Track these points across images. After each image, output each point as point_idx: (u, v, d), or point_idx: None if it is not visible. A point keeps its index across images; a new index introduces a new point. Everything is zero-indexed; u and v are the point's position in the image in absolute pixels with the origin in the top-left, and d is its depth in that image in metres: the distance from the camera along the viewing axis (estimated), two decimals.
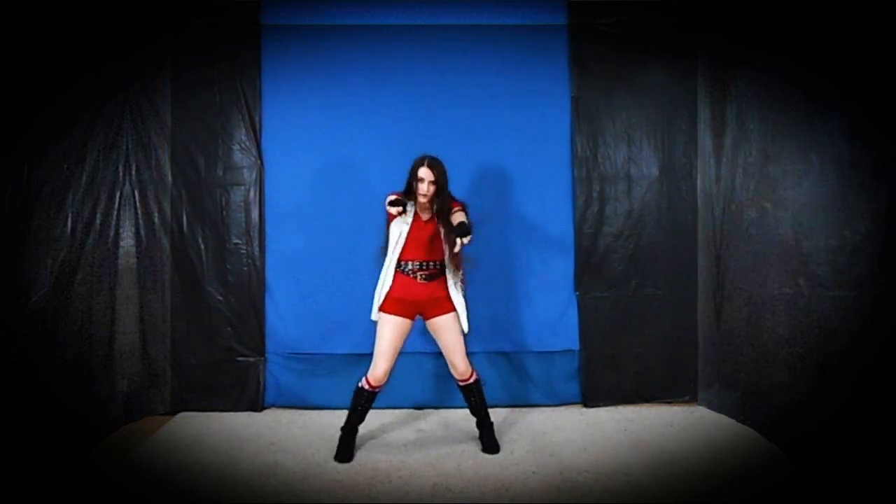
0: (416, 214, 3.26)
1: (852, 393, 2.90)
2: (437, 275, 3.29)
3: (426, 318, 3.33)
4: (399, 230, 3.24)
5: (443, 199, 3.22)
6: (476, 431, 3.47)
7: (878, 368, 2.78)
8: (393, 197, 3.11)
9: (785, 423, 3.31)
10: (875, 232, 2.86)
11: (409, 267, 3.25)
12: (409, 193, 3.23)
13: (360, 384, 3.30)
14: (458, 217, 3.17)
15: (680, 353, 4.07)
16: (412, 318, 3.30)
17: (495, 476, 3.05)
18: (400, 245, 3.24)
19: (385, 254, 3.30)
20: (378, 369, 3.23)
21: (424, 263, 3.26)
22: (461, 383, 3.40)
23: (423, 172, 3.19)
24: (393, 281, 3.26)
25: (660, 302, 4.06)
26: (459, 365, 3.33)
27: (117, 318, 3.83)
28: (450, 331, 3.31)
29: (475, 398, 3.42)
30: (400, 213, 3.14)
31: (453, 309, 3.31)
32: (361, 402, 3.31)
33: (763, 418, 3.50)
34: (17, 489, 2.76)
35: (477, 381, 3.41)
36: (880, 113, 2.79)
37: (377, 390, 3.29)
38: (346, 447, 3.30)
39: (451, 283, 3.30)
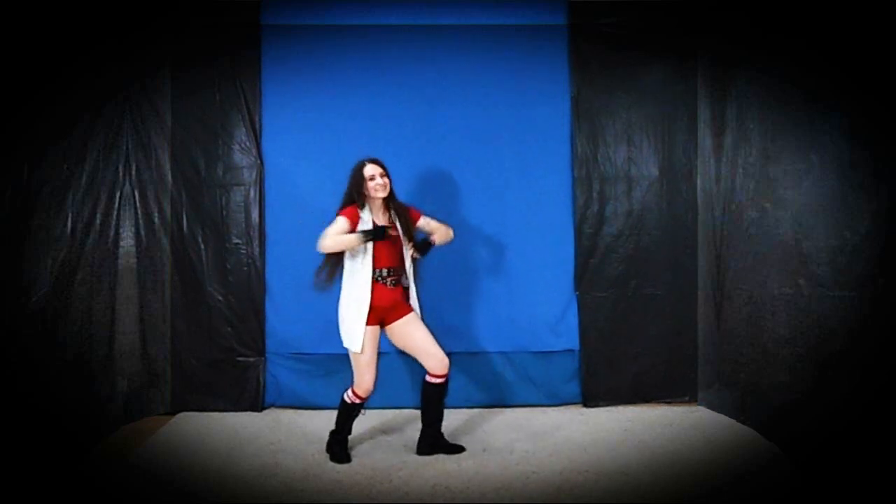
0: (372, 223, 3.19)
1: (852, 393, 2.90)
2: (399, 279, 3.26)
3: (386, 323, 3.26)
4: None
5: (395, 199, 3.26)
6: (474, 432, 3.45)
7: (878, 368, 2.77)
8: (366, 227, 3.14)
9: (785, 423, 3.30)
10: (875, 232, 2.85)
11: (382, 274, 3.19)
12: (356, 200, 3.17)
13: (347, 399, 3.24)
14: (431, 224, 3.32)
15: (680, 353, 4.07)
16: (380, 325, 3.24)
17: (495, 476, 3.04)
18: (370, 255, 3.16)
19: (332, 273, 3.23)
20: (366, 381, 3.18)
21: (392, 269, 3.22)
22: (437, 380, 3.22)
23: (371, 169, 3.18)
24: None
25: (660, 302, 4.06)
26: (439, 353, 3.21)
27: (117, 318, 3.83)
28: (418, 326, 3.25)
29: (441, 397, 3.28)
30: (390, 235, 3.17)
31: (411, 309, 3.28)
32: (353, 415, 3.29)
33: (763, 418, 3.49)
34: (17, 489, 2.76)
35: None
36: (880, 113, 2.78)
37: (366, 401, 3.26)
38: (342, 450, 3.28)
39: (410, 285, 3.29)
